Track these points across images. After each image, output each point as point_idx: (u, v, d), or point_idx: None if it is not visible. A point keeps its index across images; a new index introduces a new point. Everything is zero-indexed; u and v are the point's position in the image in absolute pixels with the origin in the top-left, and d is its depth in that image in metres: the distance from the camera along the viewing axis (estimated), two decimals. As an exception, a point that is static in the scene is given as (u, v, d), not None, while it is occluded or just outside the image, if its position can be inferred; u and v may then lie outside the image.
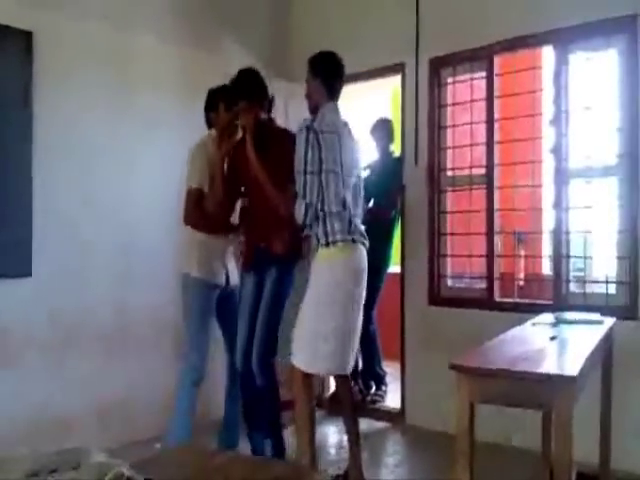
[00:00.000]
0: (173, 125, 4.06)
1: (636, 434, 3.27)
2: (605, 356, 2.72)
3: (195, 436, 3.19)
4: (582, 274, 3.85)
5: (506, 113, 4.08)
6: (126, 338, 3.84)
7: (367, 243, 2.97)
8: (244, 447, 3.33)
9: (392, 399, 4.65)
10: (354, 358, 3.05)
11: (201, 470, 1.51)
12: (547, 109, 3.93)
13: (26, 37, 3.37)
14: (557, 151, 3.72)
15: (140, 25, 3.95)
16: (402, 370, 4.34)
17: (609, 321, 2.78)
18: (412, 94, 4.30)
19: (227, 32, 4.49)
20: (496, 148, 3.99)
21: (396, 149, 4.74)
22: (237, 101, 3.06)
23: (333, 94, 2.97)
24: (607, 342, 2.68)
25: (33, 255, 3.41)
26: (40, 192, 3.46)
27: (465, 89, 4.16)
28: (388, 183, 4.53)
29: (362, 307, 2.97)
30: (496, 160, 3.99)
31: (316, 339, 2.82)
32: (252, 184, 3.05)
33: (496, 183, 3.99)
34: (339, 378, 3.14)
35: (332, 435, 4.12)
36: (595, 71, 3.67)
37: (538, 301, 3.80)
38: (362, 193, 3.09)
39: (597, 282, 3.64)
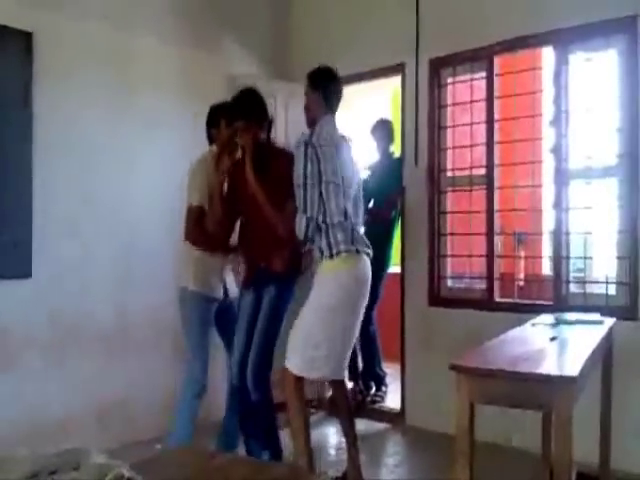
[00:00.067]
0: (173, 125, 4.07)
1: (636, 434, 3.27)
2: (605, 356, 2.72)
3: (195, 437, 3.18)
4: (582, 275, 3.86)
5: (506, 113, 4.07)
6: (126, 338, 3.85)
7: (371, 252, 2.97)
8: (243, 451, 3.32)
9: (392, 399, 4.64)
10: (347, 362, 3.05)
11: (201, 471, 1.51)
12: (547, 109, 3.92)
13: (26, 37, 3.38)
14: (557, 151, 3.72)
15: (140, 25, 3.96)
16: (402, 370, 4.34)
17: (609, 321, 2.78)
18: (412, 94, 4.29)
19: (227, 32, 4.48)
20: (496, 148, 3.99)
21: (396, 150, 4.74)
22: (236, 119, 3.08)
23: (331, 107, 3.02)
24: (607, 342, 2.68)
25: (33, 255, 3.41)
26: (40, 192, 3.46)
27: (465, 89, 4.16)
28: (388, 184, 4.53)
29: (362, 315, 2.99)
30: (496, 160, 3.99)
31: (307, 345, 2.83)
32: (251, 204, 3.06)
33: (496, 183, 3.99)
34: (334, 383, 3.15)
35: (332, 436, 4.12)
36: (595, 71, 3.67)
37: (538, 302, 3.79)
38: (362, 203, 3.12)
39: (597, 283, 3.64)
